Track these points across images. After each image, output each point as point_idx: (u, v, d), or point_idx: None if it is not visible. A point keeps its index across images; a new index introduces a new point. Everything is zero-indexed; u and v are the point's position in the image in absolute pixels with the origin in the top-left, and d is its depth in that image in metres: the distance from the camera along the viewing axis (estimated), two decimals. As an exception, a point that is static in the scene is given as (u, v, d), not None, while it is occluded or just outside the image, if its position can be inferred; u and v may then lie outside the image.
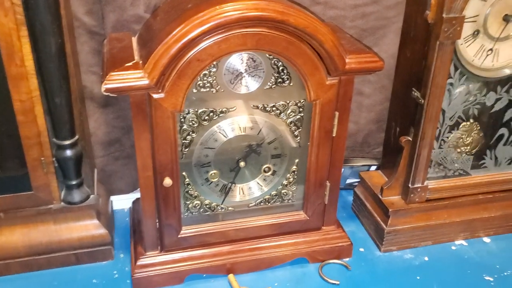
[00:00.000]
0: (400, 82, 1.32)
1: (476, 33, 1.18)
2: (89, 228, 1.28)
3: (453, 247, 1.40)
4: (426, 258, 1.36)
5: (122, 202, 1.53)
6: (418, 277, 1.29)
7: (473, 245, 1.41)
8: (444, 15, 1.09)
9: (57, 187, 1.21)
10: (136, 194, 1.52)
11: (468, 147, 1.31)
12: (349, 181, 1.61)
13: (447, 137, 1.30)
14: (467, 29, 1.16)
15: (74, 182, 1.21)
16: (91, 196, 1.26)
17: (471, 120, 1.30)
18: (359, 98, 1.48)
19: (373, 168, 1.60)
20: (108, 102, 1.35)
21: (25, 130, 1.11)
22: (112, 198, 1.49)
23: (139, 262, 1.21)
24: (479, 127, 1.31)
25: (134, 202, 1.44)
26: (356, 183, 1.54)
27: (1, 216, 1.21)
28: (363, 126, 1.54)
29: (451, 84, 1.23)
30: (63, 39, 1.04)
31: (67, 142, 1.14)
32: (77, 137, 1.16)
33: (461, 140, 1.28)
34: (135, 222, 1.35)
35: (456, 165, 1.34)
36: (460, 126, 1.29)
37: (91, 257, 1.30)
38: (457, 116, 1.28)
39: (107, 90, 0.95)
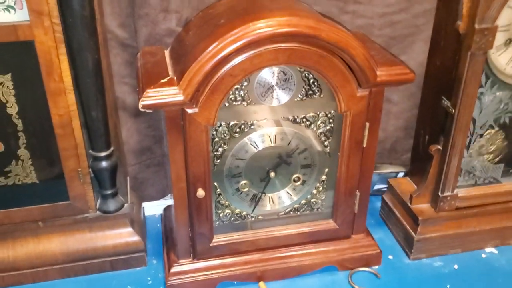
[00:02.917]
0: (429, 91, 1.32)
1: (508, 41, 1.17)
2: (123, 235, 1.32)
3: (483, 255, 1.40)
4: (456, 266, 1.36)
5: (152, 208, 1.56)
6: (448, 286, 1.29)
7: (503, 253, 1.40)
8: (476, 26, 1.08)
9: (93, 196, 1.25)
10: (166, 201, 1.55)
11: (492, 155, 1.31)
12: (377, 187, 1.61)
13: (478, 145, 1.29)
14: (499, 38, 1.14)
15: (109, 192, 1.24)
16: (125, 205, 1.30)
17: (496, 128, 1.28)
18: (387, 105, 1.48)
19: (400, 174, 1.60)
20: (140, 112, 1.37)
21: (63, 143, 1.15)
22: (143, 204, 1.53)
23: (173, 270, 1.24)
24: (503, 136, 1.29)
25: (165, 209, 1.47)
26: (384, 189, 1.55)
27: (40, 225, 1.26)
28: (391, 133, 1.54)
29: (482, 93, 1.22)
30: (99, 55, 1.07)
31: (103, 154, 1.18)
32: (112, 148, 1.20)
33: (484, 147, 1.28)
34: (167, 230, 1.38)
35: (488, 174, 1.33)
36: (485, 134, 1.28)
37: (125, 264, 1.33)
38: (488, 125, 1.27)
39: (144, 106, 0.98)
